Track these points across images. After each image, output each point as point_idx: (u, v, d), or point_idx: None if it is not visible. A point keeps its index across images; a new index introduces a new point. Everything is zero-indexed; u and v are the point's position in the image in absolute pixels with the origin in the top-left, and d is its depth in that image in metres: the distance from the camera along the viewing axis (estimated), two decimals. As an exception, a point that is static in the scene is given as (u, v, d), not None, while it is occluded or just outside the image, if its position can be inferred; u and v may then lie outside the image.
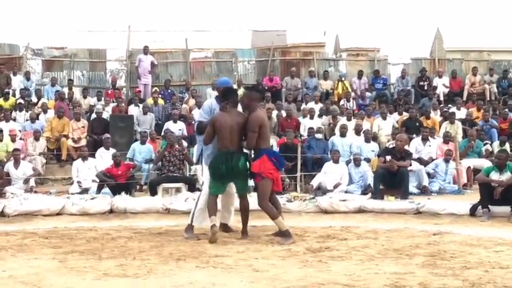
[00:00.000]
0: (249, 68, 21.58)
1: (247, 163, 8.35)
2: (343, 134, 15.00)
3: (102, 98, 18.39)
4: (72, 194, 12.69)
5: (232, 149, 8.25)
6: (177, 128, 15.84)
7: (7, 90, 18.16)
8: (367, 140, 14.90)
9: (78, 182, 13.45)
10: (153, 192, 12.56)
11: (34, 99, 18.21)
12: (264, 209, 8.23)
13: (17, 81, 19.01)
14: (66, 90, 18.94)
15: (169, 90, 19.26)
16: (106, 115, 16.89)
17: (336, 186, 13.13)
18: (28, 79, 19.29)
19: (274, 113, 17.08)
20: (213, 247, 7.89)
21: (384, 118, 16.70)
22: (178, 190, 12.69)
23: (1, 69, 19.11)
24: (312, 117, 16.75)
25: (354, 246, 7.89)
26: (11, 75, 19.05)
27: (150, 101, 18.01)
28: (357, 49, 22.20)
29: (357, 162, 13.62)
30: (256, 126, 8.13)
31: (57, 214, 11.01)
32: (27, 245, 8.18)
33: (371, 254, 7.40)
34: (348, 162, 14.06)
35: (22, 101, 17.54)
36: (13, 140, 14.79)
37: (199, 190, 12.42)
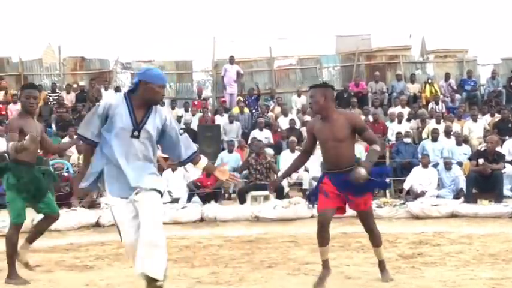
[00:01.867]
0: (333, 73, 21.47)
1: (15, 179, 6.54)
2: (434, 139, 14.68)
3: (189, 109, 18.70)
4: (163, 203, 12.93)
5: None
6: (263, 136, 15.92)
7: (98, 104, 18.70)
8: (458, 143, 14.55)
9: (169, 192, 13.70)
10: (242, 200, 12.67)
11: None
12: (378, 233, 6.31)
13: (108, 95, 19.57)
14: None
15: (253, 97, 19.34)
16: (193, 125, 17.15)
17: (421, 195, 12.76)
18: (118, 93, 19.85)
19: (362, 118, 16.88)
20: (303, 254, 7.88)
21: (475, 120, 16.28)
22: (266, 198, 12.75)
23: (92, 84, 19.75)
24: (400, 122, 16.49)
25: (447, 252, 7.75)
26: (102, 90, 19.64)
27: (235, 110, 18.18)
28: (444, 51, 21.73)
29: (448, 166, 13.30)
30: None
31: (150, 223, 11.24)
32: (123, 254, 8.36)
33: (466, 260, 7.26)
34: (435, 165, 13.78)
35: (113, 114, 18.02)
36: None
37: (288, 197, 12.57)
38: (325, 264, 6.11)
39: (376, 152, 6.13)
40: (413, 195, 12.88)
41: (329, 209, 6.02)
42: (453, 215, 11.08)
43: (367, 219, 6.18)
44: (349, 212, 11.68)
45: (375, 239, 6.25)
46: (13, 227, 6.61)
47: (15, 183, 6.54)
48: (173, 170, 14.02)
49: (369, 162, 6.02)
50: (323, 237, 6.01)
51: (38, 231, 6.87)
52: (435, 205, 11.36)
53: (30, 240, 6.81)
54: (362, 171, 5.83)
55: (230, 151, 14.93)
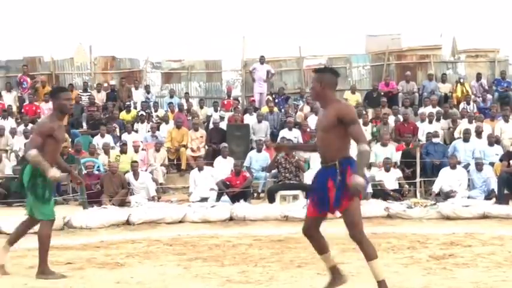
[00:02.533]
0: (363, 73, 21.35)
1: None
2: (466, 139, 14.52)
3: (218, 108, 18.77)
4: (192, 202, 13.00)
5: None
6: (292, 135, 15.90)
7: (128, 103, 18.86)
8: (490, 144, 14.39)
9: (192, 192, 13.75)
10: (271, 200, 12.67)
11: (161, 112, 18.80)
12: (362, 241, 5.68)
13: (138, 95, 19.71)
14: (183, 101, 19.43)
15: (282, 97, 19.35)
16: (223, 125, 17.20)
17: (450, 196, 12.62)
18: (148, 92, 19.97)
19: (391, 118, 16.80)
20: (332, 254, 7.83)
21: (507, 121, 16.07)
22: (295, 197, 12.74)
23: (123, 83, 19.91)
24: (430, 122, 16.35)
25: (479, 253, 7.68)
26: (132, 89, 19.77)
27: (265, 109, 18.18)
28: (476, 50, 21.50)
29: (479, 167, 13.15)
30: (356, 116, 5.54)
31: (180, 222, 11.32)
32: (153, 252, 8.45)
33: (498, 261, 7.19)
34: (466, 166, 13.64)
35: (143, 113, 18.16)
36: (136, 151, 15.32)
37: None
38: (330, 272, 5.72)
39: (367, 153, 5.45)
40: (443, 196, 12.77)
41: (309, 218, 5.79)
42: (485, 216, 10.96)
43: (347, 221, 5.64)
44: (378, 212, 11.65)
45: (364, 251, 5.54)
46: (46, 223, 6.69)
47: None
48: (199, 170, 14.04)
49: (361, 167, 5.37)
50: (313, 246, 5.77)
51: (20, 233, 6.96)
52: (466, 206, 11.26)
53: (11, 242, 6.89)
54: (357, 179, 5.22)
55: (259, 150, 14.94)
